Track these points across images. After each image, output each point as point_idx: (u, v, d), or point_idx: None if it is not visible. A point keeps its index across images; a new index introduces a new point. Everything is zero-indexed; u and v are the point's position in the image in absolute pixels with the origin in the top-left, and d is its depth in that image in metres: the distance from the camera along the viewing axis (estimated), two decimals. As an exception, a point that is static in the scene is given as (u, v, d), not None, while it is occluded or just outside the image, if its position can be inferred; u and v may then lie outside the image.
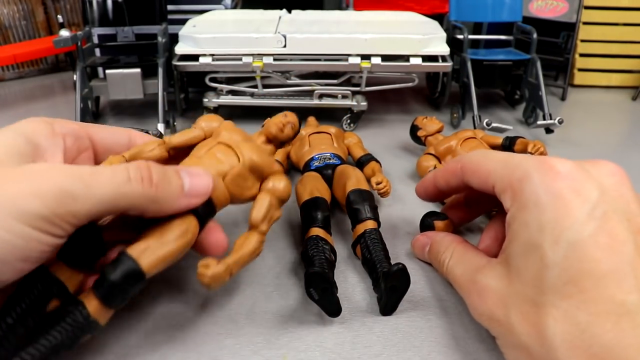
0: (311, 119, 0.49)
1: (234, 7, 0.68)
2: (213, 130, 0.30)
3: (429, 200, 0.34)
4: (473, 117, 0.52)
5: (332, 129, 0.45)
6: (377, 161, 0.41)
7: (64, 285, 0.23)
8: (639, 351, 0.18)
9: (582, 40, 0.69)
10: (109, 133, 0.29)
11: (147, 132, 0.32)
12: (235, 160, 0.28)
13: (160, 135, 0.47)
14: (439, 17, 0.67)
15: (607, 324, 0.19)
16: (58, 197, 0.20)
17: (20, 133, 0.24)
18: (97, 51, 0.58)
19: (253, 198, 0.28)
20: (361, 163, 0.41)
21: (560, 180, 0.22)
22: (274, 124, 0.31)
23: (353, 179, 0.35)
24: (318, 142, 0.43)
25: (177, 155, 0.29)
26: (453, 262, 0.28)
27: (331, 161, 0.40)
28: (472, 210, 0.34)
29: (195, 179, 0.25)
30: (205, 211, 0.26)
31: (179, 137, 0.29)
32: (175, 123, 0.53)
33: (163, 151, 0.29)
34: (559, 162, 0.22)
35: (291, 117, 0.32)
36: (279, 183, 0.29)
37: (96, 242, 0.24)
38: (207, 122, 0.30)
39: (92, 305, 0.22)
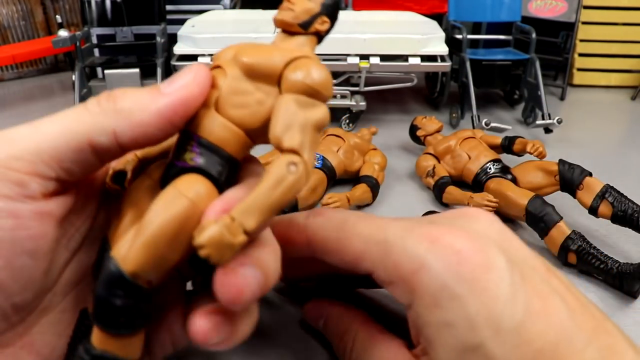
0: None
1: (233, 7, 0.68)
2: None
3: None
4: (472, 117, 0.52)
5: (356, 139, 0.44)
6: (374, 188, 0.40)
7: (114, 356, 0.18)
8: None
9: (581, 40, 0.69)
10: None
11: None
12: (223, 76, 0.19)
13: None
14: (438, 17, 0.67)
15: None
16: (30, 142, 0.17)
17: None
18: (96, 51, 0.58)
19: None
20: (358, 179, 0.41)
21: (465, 262, 0.18)
22: (279, 9, 0.21)
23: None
24: (327, 143, 0.42)
25: None
26: (358, 355, 0.22)
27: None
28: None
29: (176, 76, 0.18)
30: (210, 163, 0.18)
31: None
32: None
33: None
34: (450, 237, 0.19)
35: None
36: (300, 71, 0.18)
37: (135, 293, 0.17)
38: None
39: (95, 335, 0.17)
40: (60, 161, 0.17)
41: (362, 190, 0.39)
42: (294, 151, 0.17)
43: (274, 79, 0.18)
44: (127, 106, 0.17)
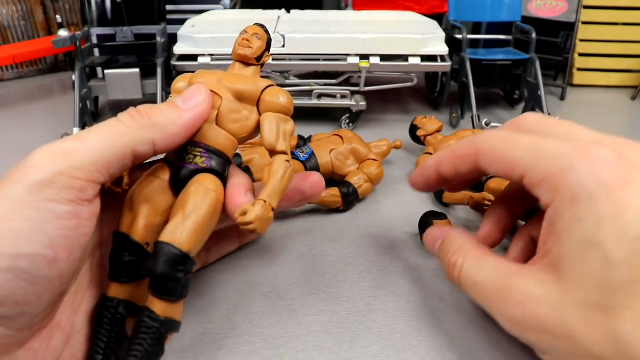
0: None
1: (233, 7, 0.68)
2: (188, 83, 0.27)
3: (426, 190, 0.30)
4: (472, 117, 0.52)
5: (357, 145, 0.42)
6: (347, 196, 0.39)
7: (131, 302, 0.23)
8: None
9: (582, 40, 0.69)
10: None
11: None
12: (218, 99, 0.25)
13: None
14: (438, 17, 0.67)
15: None
16: (53, 157, 0.20)
17: None
18: (96, 51, 0.58)
19: (256, 125, 0.26)
20: (338, 183, 0.40)
21: (608, 171, 0.20)
22: (237, 44, 0.27)
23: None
24: (326, 142, 0.42)
25: None
26: (470, 266, 0.25)
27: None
28: (513, 209, 0.29)
29: (186, 94, 0.24)
30: (217, 164, 0.25)
31: None
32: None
33: None
34: (602, 150, 0.21)
35: (251, 29, 0.28)
36: (275, 97, 0.26)
37: (134, 249, 0.23)
38: (183, 82, 0.27)
39: (157, 306, 0.21)
40: (110, 168, 0.21)
41: (331, 193, 0.38)
42: (284, 153, 0.25)
43: (255, 101, 0.26)
44: (162, 121, 0.22)
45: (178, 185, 0.24)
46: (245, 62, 0.28)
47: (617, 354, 0.18)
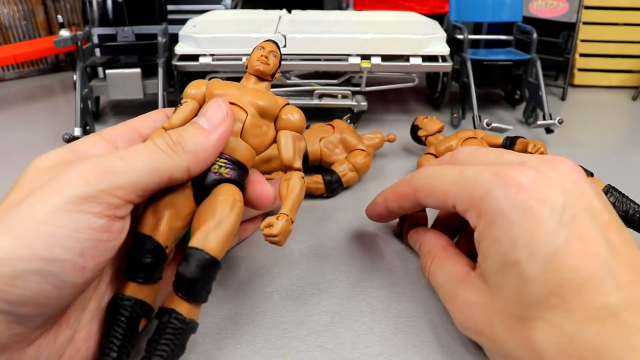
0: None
1: (234, 7, 0.68)
2: (204, 95, 0.28)
3: (380, 221, 0.34)
4: (473, 117, 0.52)
5: (348, 136, 0.43)
6: (329, 183, 0.40)
7: (144, 302, 0.24)
8: (626, 348, 0.18)
9: (582, 40, 0.69)
10: (149, 121, 0.28)
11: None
12: (243, 113, 0.27)
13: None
14: (439, 17, 0.67)
15: (592, 328, 0.19)
16: (98, 173, 0.21)
17: (64, 148, 0.24)
18: (97, 51, 0.58)
19: (274, 140, 0.29)
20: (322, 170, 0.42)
21: (523, 192, 0.21)
22: (255, 60, 0.29)
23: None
24: (316, 131, 0.44)
25: None
26: (434, 269, 0.28)
27: None
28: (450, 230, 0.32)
29: (209, 113, 0.26)
30: (239, 175, 0.26)
31: (178, 117, 0.27)
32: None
33: None
34: (518, 173, 0.22)
35: (268, 45, 0.30)
36: (292, 116, 0.28)
37: (156, 251, 0.24)
38: (196, 89, 0.28)
39: (183, 308, 0.22)
40: (145, 190, 0.22)
41: (314, 180, 0.40)
42: (300, 170, 0.28)
43: (273, 118, 0.28)
44: (193, 148, 0.24)
45: (201, 192, 0.25)
46: (261, 77, 0.29)
47: (533, 359, 0.21)
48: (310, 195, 0.40)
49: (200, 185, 0.25)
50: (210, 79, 0.30)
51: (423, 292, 0.30)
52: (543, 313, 0.20)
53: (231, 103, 0.27)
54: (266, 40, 0.30)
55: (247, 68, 0.30)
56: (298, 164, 0.28)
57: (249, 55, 0.30)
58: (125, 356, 0.22)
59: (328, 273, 0.32)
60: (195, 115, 0.27)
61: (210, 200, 0.25)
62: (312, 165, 0.43)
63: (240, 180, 0.26)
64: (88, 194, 0.20)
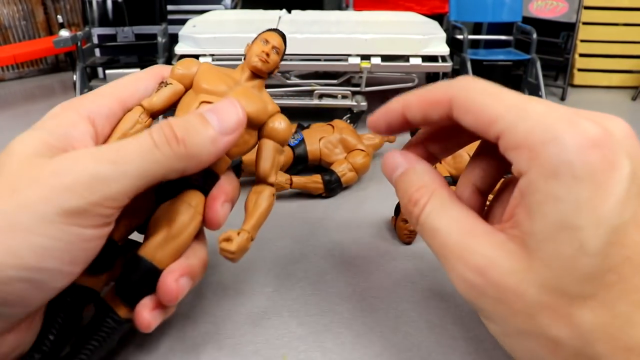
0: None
1: (234, 7, 0.68)
2: (192, 77, 0.26)
3: (384, 133, 0.27)
4: (473, 117, 0.52)
5: (347, 136, 0.43)
6: (328, 183, 0.40)
7: (93, 290, 0.24)
8: None
9: (582, 41, 0.69)
10: (139, 89, 0.26)
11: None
12: None
13: None
14: (439, 17, 0.67)
15: None
16: (89, 184, 0.19)
17: (43, 129, 0.23)
18: (97, 51, 0.58)
19: (253, 146, 0.26)
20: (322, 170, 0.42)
21: (594, 149, 0.18)
22: (255, 55, 0.26)
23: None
24: (317, 131, 0.44)
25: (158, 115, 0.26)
26: (434, 208, 0.22)
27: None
28: (454, 141, 0.27)
29: (223, 114, 0.23)
30: (207, 182, 0.25)
31: (160, 98, 0.25)
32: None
33: (146, 120, 0.25)
34: (588, 124, 0.19)
35: (273, 38, 0.27)
36: (278, 125, 0.26)
37: (109, 245, 0.23)
38: (185, 69, 0.26)
39: (121, 310, 0.23)
40: (137, 194, 0.21)
41: (312, 179, 0.40)
42: (272, 185, 0.26)
43: (259, 126, 0.26)
44: (197, 152, 0.22)
45: (163, 193, 0.24)
46: (256, 72, 0.27)
47: (574, 340, 0.18)
48: (309, 195, 0.40)
49: (164, 187, 0.24)
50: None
51: (423, 292, 0.30)
52: (597, 290, 0.18)
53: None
54: (272, 30, 0.27)
55: (244, 58, 0.27)
56: (272, 178, 0.26)
57: (250, 43, 0.27)
58: (64, 342, 0.23)
59: (328, 273, 0.32)
60: (177, 100, 0.25)
61: (171, 206, 0.24)
62: (312, 165, 0.43)
63: (207, 187, 0.25)
64: (80, 208, 0.19)
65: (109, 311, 0.23)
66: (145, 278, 0.23)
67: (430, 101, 0.23)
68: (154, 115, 0.25)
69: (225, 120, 0.23)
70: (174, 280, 0.23)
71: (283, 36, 0.27)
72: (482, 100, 0.21)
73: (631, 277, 0.18)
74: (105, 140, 0.24)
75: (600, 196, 0.18)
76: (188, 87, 0.26)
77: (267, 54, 0.26)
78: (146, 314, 0.23)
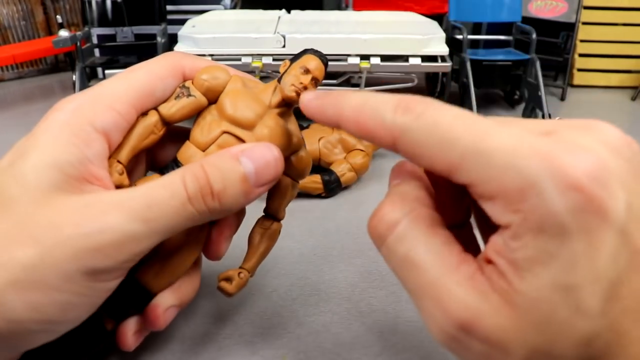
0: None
1: (234, 7, 0.68)
2: (217, 92, 0.23)
3: (320, 122, 0.21)
4: (472, 117, 0.52)
5: (346, 136, 0.43)
6: (328, 183, 0.41)
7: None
8: None
9: (582, 41, 0.69)
10: (157, 89, 0.23)
11: None
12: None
13: None
14: (438, 17, 0.67)
15: None
16: (119, 244, 0.19)
17: (55, 146, 0.21)
18: (97, 51, 0.58)
19: None
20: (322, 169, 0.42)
21: (579, 193, 0.15)
22: (290, 84, 0.23)
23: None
24: (315, 131, 0.44)
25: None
26: (410, 231, 0.19)
27: None
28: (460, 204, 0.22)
29: (260, 164, 0.21)
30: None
31: (180, 111, 0.23)
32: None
33: (161, 130, 0.23)
34: (567, 158, 0.16)
35: (315, 68, 0.24)
36: (298, 162, 0.25)
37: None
38: (210, 78, 0.23)
39: (109, 324, 0.23)
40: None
41: (312, 180, 0.40)
42: (281, 220, 0.26)
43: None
44: (229, 207, 0.21)
45: None
46: (289, 102, 0.23)
47: None
48: (308, 195, 0.40)
49: None
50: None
51: (422, 292, 0.30)
52: (594, 352, 0.16)
53: (238, 138, 0.23)
54: (315, 54, 0.24)
55: (279, 77, 0.24)
56: (283, 214, 0.26)
57: (282, 62, 0.25)
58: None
59: (327, 273, 0.32)
60: (198, 114, 0.23)
61: (176, 235, 0.22)
62: (312, 165, 0.43)
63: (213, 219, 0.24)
64: (108, 268, 0.19)
65: (98, 322, 0.23)
66: (137, 300, 0.23)
67: (369, 132, 0.19)
68: (169, 124, 0.24)
69: (263, 175, 0.21)
70: (163, 311, 0.23)
71: (326, 63, 0.24)
72: (430, 143, 0.17)
73: (629, 330, 0.16)
74: (117, 148, 0.22)
75: (595, 247, 0.16)
76: (212, 102, 0.24)
77: (306, 87, 0.23)
78: (130, 336, 0.23)
